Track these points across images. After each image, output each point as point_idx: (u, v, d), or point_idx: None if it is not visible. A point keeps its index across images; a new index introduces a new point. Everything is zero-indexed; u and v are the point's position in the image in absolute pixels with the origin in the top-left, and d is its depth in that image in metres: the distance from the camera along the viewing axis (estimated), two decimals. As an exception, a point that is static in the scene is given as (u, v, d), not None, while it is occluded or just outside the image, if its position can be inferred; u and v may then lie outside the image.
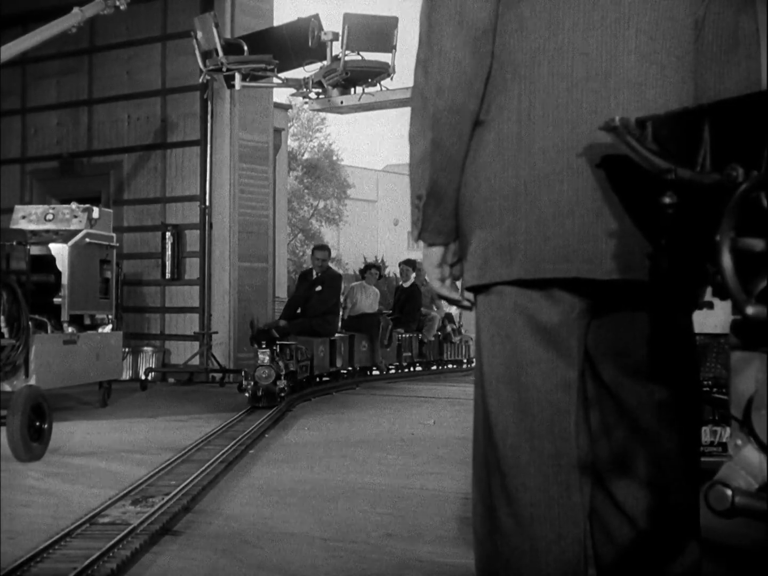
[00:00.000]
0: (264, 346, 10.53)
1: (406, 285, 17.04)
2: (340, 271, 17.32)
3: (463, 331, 18.58)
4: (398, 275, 17.46)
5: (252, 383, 10.24)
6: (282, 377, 10.38)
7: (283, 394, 10.38)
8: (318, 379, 13.07)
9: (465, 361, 18.37)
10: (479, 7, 2.17)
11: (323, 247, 14.52)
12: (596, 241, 2.12)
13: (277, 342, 10.98)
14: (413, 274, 17.09)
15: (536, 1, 2.17)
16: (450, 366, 17.86)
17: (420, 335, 16.72)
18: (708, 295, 1.80)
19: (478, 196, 2.24)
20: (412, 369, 16.63)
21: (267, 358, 10.38)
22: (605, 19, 2.15)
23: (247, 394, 10.25)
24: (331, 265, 14.68)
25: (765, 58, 2.31)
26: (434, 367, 17.31)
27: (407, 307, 16.67)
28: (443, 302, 17.50)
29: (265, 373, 10.21)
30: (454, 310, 17.86)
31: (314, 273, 13.67)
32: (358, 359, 14.24)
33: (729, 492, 1.56)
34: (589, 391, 2.33)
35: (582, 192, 2.12)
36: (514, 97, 2.19)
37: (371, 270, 16.37)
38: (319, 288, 13.32)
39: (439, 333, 17.48)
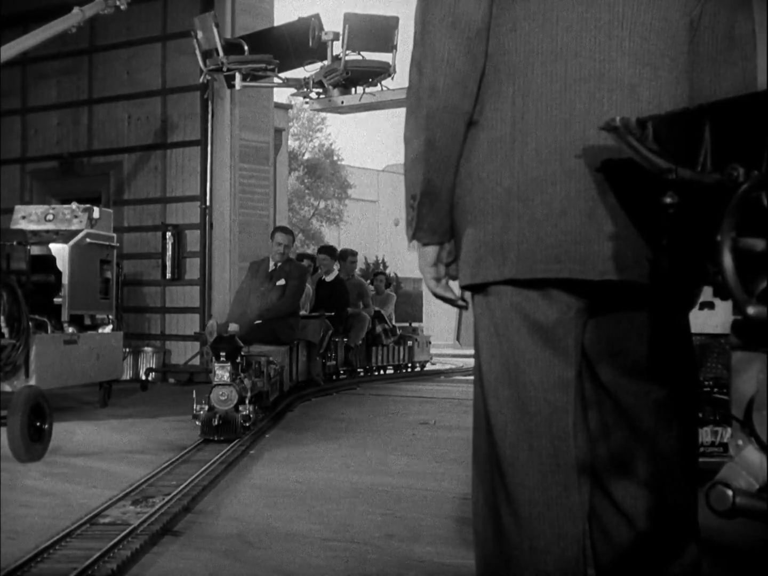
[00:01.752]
0: (223, 358, 7.89)
1: (329, 279, 13.89)
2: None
3: (398, 331, 15.72)
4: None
5: (206, 408, 7.63)
6: (247, 401, 7.79)
7: (248, 423, 7.78)
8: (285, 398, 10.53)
9: (406, 365, 15.94)
10: (473, 8, 2.17)
11: (286, 230, 11.79)
12: (589, 241, 2.12)
13: (243, 354, 8.30)
14: (336, 266, 14.31)
15: (530, 3, 2.18)
16: (380, 372, 15.11)
17: (345, 339, 13.75)
18: (709, 296, 1.80)
19: (471, 195, 2.24)
20: (335, 378, 13.41)
21: (227, 374, 7.77)
22: (599, 20, 2.16)
23: (198, 422, 7.62)
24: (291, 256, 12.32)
25: (764, 59, 2.31)
26: (361, 375, 14.52)
27: (331, 305, 13.35)
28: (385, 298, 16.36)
29: (224, 395, 7.67)
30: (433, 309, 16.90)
31: (272, 263, 11.24)
32: (299, 372, 11.64)
33: (730, 492, 1.56)
34: (587, 392, 2.34)
35: (575, 193, 2.12)
36: (507, 98, 2.19)
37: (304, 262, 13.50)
38: (281, 282, 11.04)
39: (368, 335, 14.56)
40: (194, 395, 7.65)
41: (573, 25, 2.16)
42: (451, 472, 6.35)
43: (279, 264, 11.15)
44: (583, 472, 2.30)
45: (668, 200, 1.72)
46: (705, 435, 4.96)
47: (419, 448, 7.59)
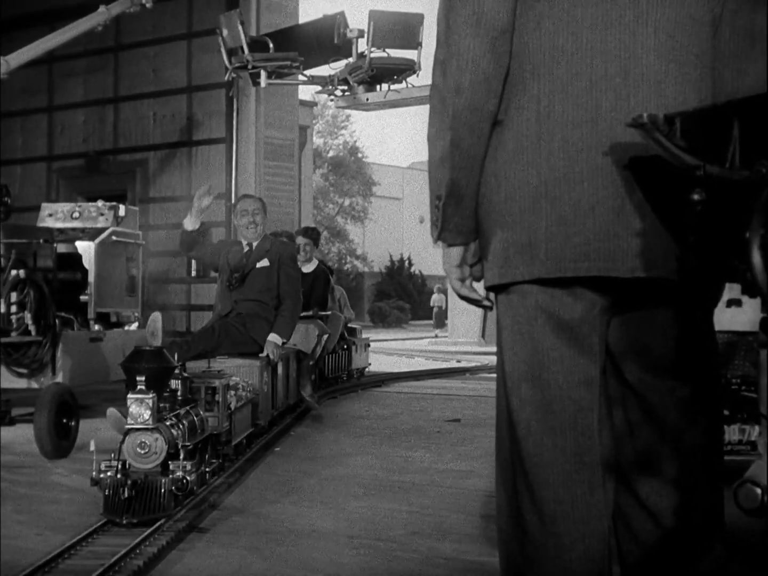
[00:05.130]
0: (143, 385, 4.81)
1: (308, 270, 10.54)
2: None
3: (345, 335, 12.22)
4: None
5: (114, 467, 4.70)
6: (183, 454, 4.90)
7: (181, 493, 4.72)
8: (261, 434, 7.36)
9: (341, 375, 12.26)
10: (497, 7, 2.17)
11: (251, 196, 8.84)
12: (617, 238, 2.12)
13: (183, 375, 5.52)
14: (315, 253, 11.35)
15: (554, 1, 2.18)
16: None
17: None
18: (737, 293, 1.79)
19: (498, 195, 2.24)
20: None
21: (148, 412, 4.73)
22: (623, 17, 2.15)
23: (103, 491, 4.66)
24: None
25: None
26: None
27: (310, 302, 10.09)
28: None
29: (144, 447, 4.71)
30: None
31: (245, 243, 8.08)
32: (285, 395, 8.48)
33: (759, 491, 1.55)
34: (612, 389, 2.34)
35: (602, 190, 2.12)
36: (533, 97, 2.19)
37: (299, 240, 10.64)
38: (263, 264, 7.92)
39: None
40: (92, 447, 4.78)
41: (597, 23, 2.15)
42: (476, 469, 6.34)
43: (255, 243, 8.01)
44: (608, 470, 2.30)
45: (696, 197, 1.71)
46: (733, 433, 4.94)
47: (444, 445, 7.58)
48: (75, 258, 9.07)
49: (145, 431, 4.75)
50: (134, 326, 10.07)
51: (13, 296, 7.67)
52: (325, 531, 4.77)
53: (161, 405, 4.99)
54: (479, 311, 26.18)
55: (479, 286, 2.40)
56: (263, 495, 5.61)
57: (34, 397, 7.05)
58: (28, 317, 7.69)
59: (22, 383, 7.88)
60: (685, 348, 2.28)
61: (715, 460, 2.32)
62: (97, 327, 9.16)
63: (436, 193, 2.30)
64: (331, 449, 7.34)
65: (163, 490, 4.65)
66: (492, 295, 2.38)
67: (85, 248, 9.18)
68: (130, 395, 4.82)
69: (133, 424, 4.77)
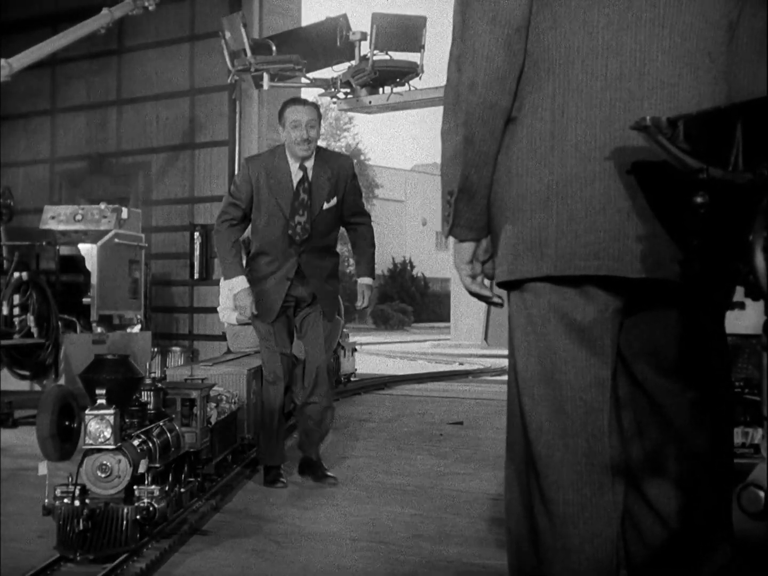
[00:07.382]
0: (103, 399, 4.21)
1: None
2: None
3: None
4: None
5: (70, 496, 4.13)
6: (149, 478, 4.33)
7: (147, 523, 4.19)
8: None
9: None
10: (513, 5, 2.18)
11: (305, 102, 6.71)
12: (626, 239, 2.13)
13: (156, 385, 4.99)
14: None
15: (571, 0, 2.18)
16: None
17: None
18: (740, 296, 1.79)
19: (509, 192, 2.24)
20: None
21: (109, 430, 4.13)
22: (639, 19, 2.15)
23: (56, 521, 4.11)
24: None
25: None
26: None
27: None
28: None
29: (105, 470, 4.15)
30: None
31: (293, 162, 6.24)
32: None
33: (762, 494, 1.54)
34: (622, 391, 2.33)
35: (614, 191, 2.13)
36: (547, 95, 2.19)
37: None
38: (332, 203, 6.14)
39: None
40: (44, 469, 4.60)
41: (613, 23, 2.16)
42: (478, 472, 6.34)
43: (309, 164, 6.17)
44: (617, 472, 2.30)
45: (699, 200, 1.71)
46: (736, 436, 4.93)
47: (447, 448, 7.58)
48: (78, 260, 9.08)
49: (106, 453, 4.17)
50: (137, 329, 10.08)
51: (16, 298, 7.69)
52: (327, 533, 4.77)
53: (127, 420, 4.44)
54: (482, 313, 26.16)
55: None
56: (266, 497, 5.61)
57: (36, 400, 7.05)
58: (30, 319, 7.71)
59: (24, 385, 7.89)
60: (696, 351, 2.27)
61: (724, 462, 2.32)
62: (99, 329, 9.16)
63: (448, 188, 2.30)
64: (334, 452, 7.33)
65: (125, 521, 4.10)
66: (505, 293, 2.38)
67: (88, 251, 9.18)
68: (87, 411, 4.20)
69: (92, 445, 4.17)
